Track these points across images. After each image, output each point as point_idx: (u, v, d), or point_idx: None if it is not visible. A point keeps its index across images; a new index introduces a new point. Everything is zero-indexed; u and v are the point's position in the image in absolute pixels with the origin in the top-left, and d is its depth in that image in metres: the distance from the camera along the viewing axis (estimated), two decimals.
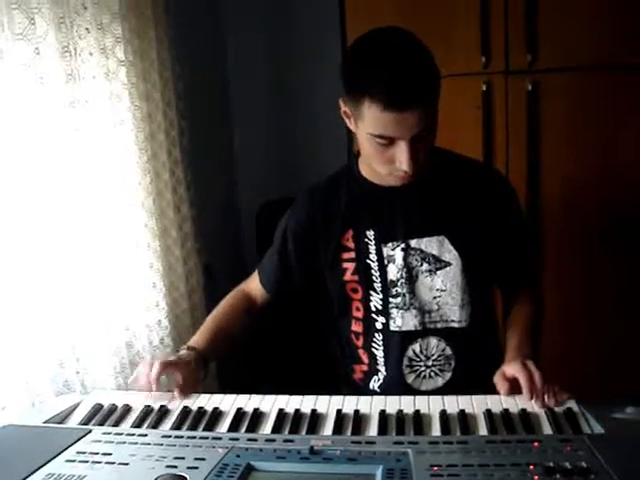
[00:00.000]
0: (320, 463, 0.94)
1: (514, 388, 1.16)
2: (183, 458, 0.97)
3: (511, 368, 1.18)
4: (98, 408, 1.20)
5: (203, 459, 0.96)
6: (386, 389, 1.36)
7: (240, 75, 2.58)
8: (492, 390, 1.18)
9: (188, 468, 0.93)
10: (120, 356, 1.52)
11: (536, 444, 0.96)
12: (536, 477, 0.86)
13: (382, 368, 1.39)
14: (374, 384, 1.41)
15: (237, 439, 1.03)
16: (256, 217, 2.57)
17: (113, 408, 1.20)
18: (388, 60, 1.13)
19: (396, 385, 1.36)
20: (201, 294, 1.87)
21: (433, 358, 1.36)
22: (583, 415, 1.08)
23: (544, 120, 1.96)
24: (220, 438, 1.04)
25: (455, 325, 1.35)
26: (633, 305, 2.01)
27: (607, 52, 1.88)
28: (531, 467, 0.88)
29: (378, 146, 1.18)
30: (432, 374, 1.37)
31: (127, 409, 1.20)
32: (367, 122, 1.16)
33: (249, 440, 1.03)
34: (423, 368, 1.36)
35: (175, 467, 0.94)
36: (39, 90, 1.32)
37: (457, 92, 1.87)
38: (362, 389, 1.40)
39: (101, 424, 1.14)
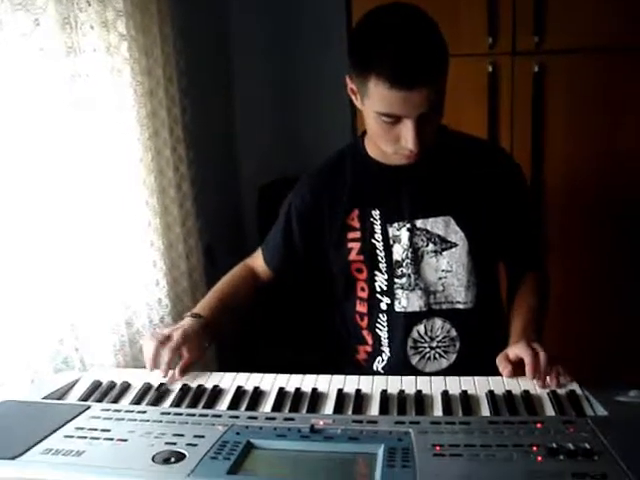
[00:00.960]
0: (321, 442, 0.93)
1: (517, 370, 1.14)
2: (182, 435, 0.96)
3: (516, 349, 1.16)
4: (97, 385, 1.20)
5: (202, 436, 0.95)
6: (390, 370, 1.35)
7: (243, 52, 2.54)
8: (496, 373, 1.16)
9: (187, 445, 0.92)
10: (120, 334, 1.51)
11: (539, 425, 0.95)
12: (539, 458, 0.85)
13: (386, 349, 1.38)
14: (378, 365, 1.40)
15: (237, 417, 1.02)
16: (258, 197, 2.55)
17: (112, 385, 1.20)
18: (395, 37, 1.11)
19: (400, 366, 1.35)
20: (202, 273, 1.86)
21: (438, 339, 1.35)
22: (586, 398, 1.08)
23: (550, 102, 1.94)
24: (220, 416, 1.03)
25: (460, 306, 1.34)
26: (633, 289, 2.00)
27: (615, 34, 1.85)
28: (534, 448, 0.87)
29: (384, 124, 1.16)
30: (436, 356, 1.36)
31: (126, 386, 1.19)
32: (373, 100, 1.14)
33: (249, 418, 1.02)
34: (427, 349, 1.35)
35: (174, 444, 0.93)
36: (39, 62, 1.29)
37: (463, 73, 1.84)
38: (366, 370, 1.40)
39: (100, 400, 1.14)
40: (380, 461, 0.86)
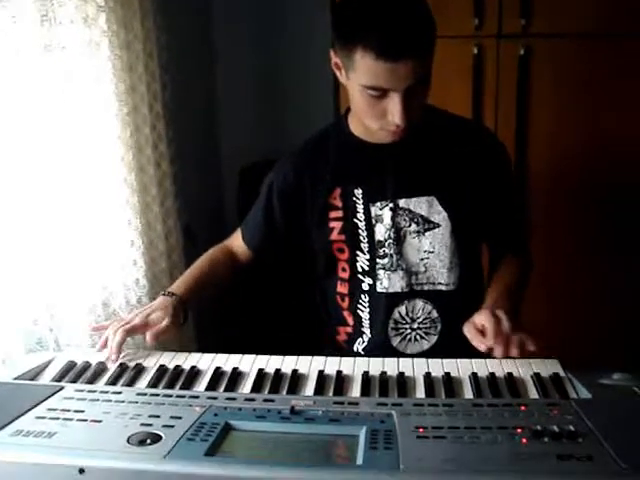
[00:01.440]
0: (301, 423, 0.90)
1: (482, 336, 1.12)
2: (158, 416, 0.93)
3: (480, 316, 1.14)
4: (71, 365, 1.16)
5: (179, 417, 0.92)
6: (371, 352, 1.33)
7: (226, 31, 2.49)
8: (478, 355, 1.15)
9: (164, 426, 0.89)
10: (96, 314, 1.48)
11: (523, 408, 0.94)
12: (524, 440, 0.83)
13: (367, 330, 1.36)
14: (358, 346, 1.38)
15: (215, 398, 1.00)
16: (239, 179, 2.51)
17: (87, 365, 1.16)
18: (382, 8, 1.08)
19: (381, 348, 1.33)
20: (180, 254, 1.82)
21: (419, 321, 1.33)
22: (569, 381, 1.07)
23: (535, 86, 1.93)
24: (197, 397, 1.01)
25: (442, 288, 1.32)
26: (616, 273, 2.01)
27: (601, 20, 1.85)
28: (518, 430, 0.86)
29: (370, 98, 1.13)
30: (418, 337, 1.34)
31: (101, 367, 1.16)
32: (359, 73, 1.11)
33: (228, 399, 0.99)
34: (409, 331, 1.34)
35: (150, 425, 0.90)
36: (11, 31, 1.24)
37: (448, 54, 1.80)
38: (346, 351, 1.38)
39: (74, 381, 1.10)
40: (362, 443, 0.84)
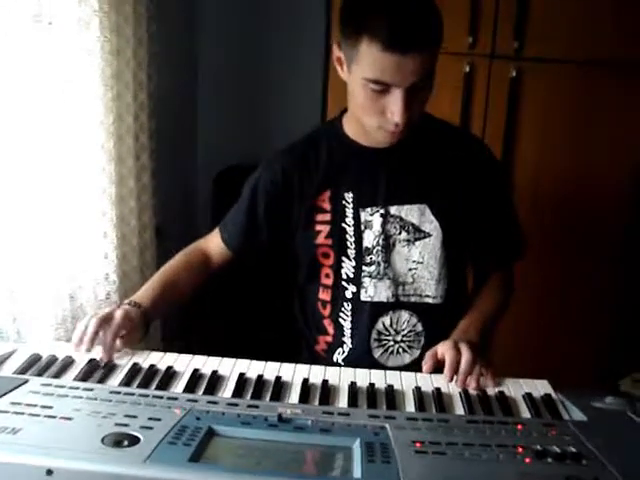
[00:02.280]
0: (290, 432, 0.84)
1: (442, 367, 1.11)
2: (135, 417, 0.86)
3: (443, 347, 1.13)
4: (36, 358, 1.08)
5: (158, 419, 0.85)
6: (350, 363, 1.28)
7: (206, 31, 2.42)
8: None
9: (141, 427, 0.82)
10: (62, 307, 1.39)
11: (519, 426, 0.90)
12: (527, 460, 0.79)
13: (348, 340, 1.31)
14: (338, 357, 1.33)
15: (195, 401, 0.93)
16: (213, 183, 2.44)
17: (53, 359, 1.08)
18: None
19: (361, 359, 1.28)
20: (153, 252, 1.74)
21: (403, 333, 1.29)
22: (561, 402, 1.04)
23: (524, 109, 1.93)
24: (176, 398, 0.94)
25: (429, 301, 1.28)
26: (593, 300, 2.02)
27: (594, 48, 1.87)
28: (519, 449, 0.82)
29: (371, 94, 1.09)
30: (400, 350, 1.30)
31: (69, 361, 1.08)
32: (363, 65, 1.07)
33: (209, 402, 0.93)
34: (392, 343, 1.29)
35: (126, 425, 0.83)
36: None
37: (439, 70, 1.80)
38: (324, 362, 1.32)
39: (39, 375, 1.02)
40: (358, 456, 0.78)
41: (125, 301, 1.22)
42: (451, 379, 1.07)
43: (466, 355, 1.09)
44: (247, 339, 1.71)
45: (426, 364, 1.13)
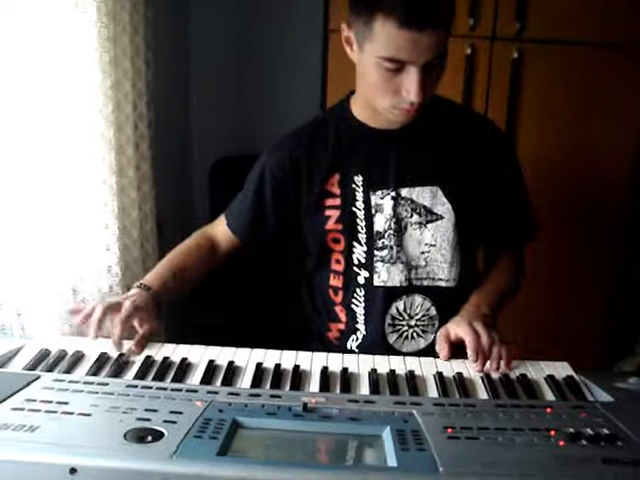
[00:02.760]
0: (317, 421, 0.82)
1: (456, 351, 1.10)
2: (156, 411, 0.83)
3: (457, 328, 1.12)
4: (45, 353, 1.05)
5: (180, 412, 0.83)
6: (365, 350, 1.25)
7: (202, 20, 2.37)
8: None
9: (164, 422, 0.80)
10: (65, 302, 1.35)
11: (548, 410, 0.89)
12: (561, 443, 0.78)
13: (362, 327, 1.29)
14: (352, 344, 1.30)
15: (216, 392, 0.91)
16: (210, 173, 2.41)
17: (63, 354, 1.05)
18: None
19: (376, 346, 1.26)
20: (154, 243, 1.70)
21: (417, 318, 1.27)
22: (584, 384, 1.02)
23: (525, 89, 1.90)
24: (196, 391, 0.91)
25: (442, 284, 1.26)
26: (590, 283, 2.02)
27: (593, 28, 1.84)
28: (552, 432, 0.80)
29: (385, 73, 1.06)
30: (414, 335, 1.28)
31: (79, 356, 1.05)
32: (378, 43, 1.04)
33: (230, 394, 0.90)
34: (406, 328, 1.27)
35: (148, 420, 0.80)
36: None
37: None
38: (337, 349, 1.29)
39: (50, 370, 0.99)
40: (390, 443, 0.76)
41: (135, 284, 1.19)
42: (476, 360, 1.05)
43: (484, 338, 1.08)
44: (252, 328, 1.68)
45: (443, 350, 1.11)
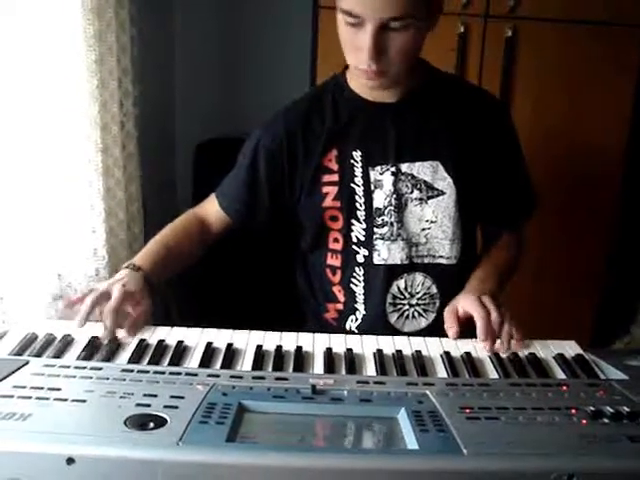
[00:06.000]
0: (328, 404, 0.78)
1: (465, 326, 1.07)
2: (155, 396, 0.78)
3: (466, 304, 1.09)
4: (32, 338, 0.98)
5: (181, 397, 0.78)
6: (365, 330, 1.21)
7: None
8: (474, 336, 1.06)
9: (166, 407, 0.75)
10: (50, 286, 1.29)
11: (564, 388, 0.86)
12: (584, 421, 0.75)
13: (361, 307, 1.25)
14: (351, 324, 1.26)
15: (217, 376, 0.86)
16: (194, 155, 2.33)
17: (51, 338, 0.99)
18: None
19: (377, 325, 1.22)
20: (141, 225, 1.64)
21: (418, 296, 1.23)
22: (593, 361, 1.00)
23: (519, 68, 1.87)
24: (196, 374, 0.86)
25: (443, 261, 1.23)
26: (583, 260, 2.00)
27: (587, 6, 1.81)
28: (572, 411, 0.77)
29: (349, 29, 1.04)
30: (415, 314, 1.24)
31: (69, 340, 0.99)
32: None
33: (232, 377, 0.85)
34: (407, 307, 1.23)
35: (148, 406, 0.75)
36: None
37: (432, 31, 1.75)
38: (335, 330, 1.25)
39: (38, 356, 0.93)
40: (407, 425, 0.72)
41: (124, 264, 1.13)
42: (486, 339, 1.02)
43: (494, 314, 1.05)
44: (244, 309, 1.62)
45: (452, 328, 1.07)
